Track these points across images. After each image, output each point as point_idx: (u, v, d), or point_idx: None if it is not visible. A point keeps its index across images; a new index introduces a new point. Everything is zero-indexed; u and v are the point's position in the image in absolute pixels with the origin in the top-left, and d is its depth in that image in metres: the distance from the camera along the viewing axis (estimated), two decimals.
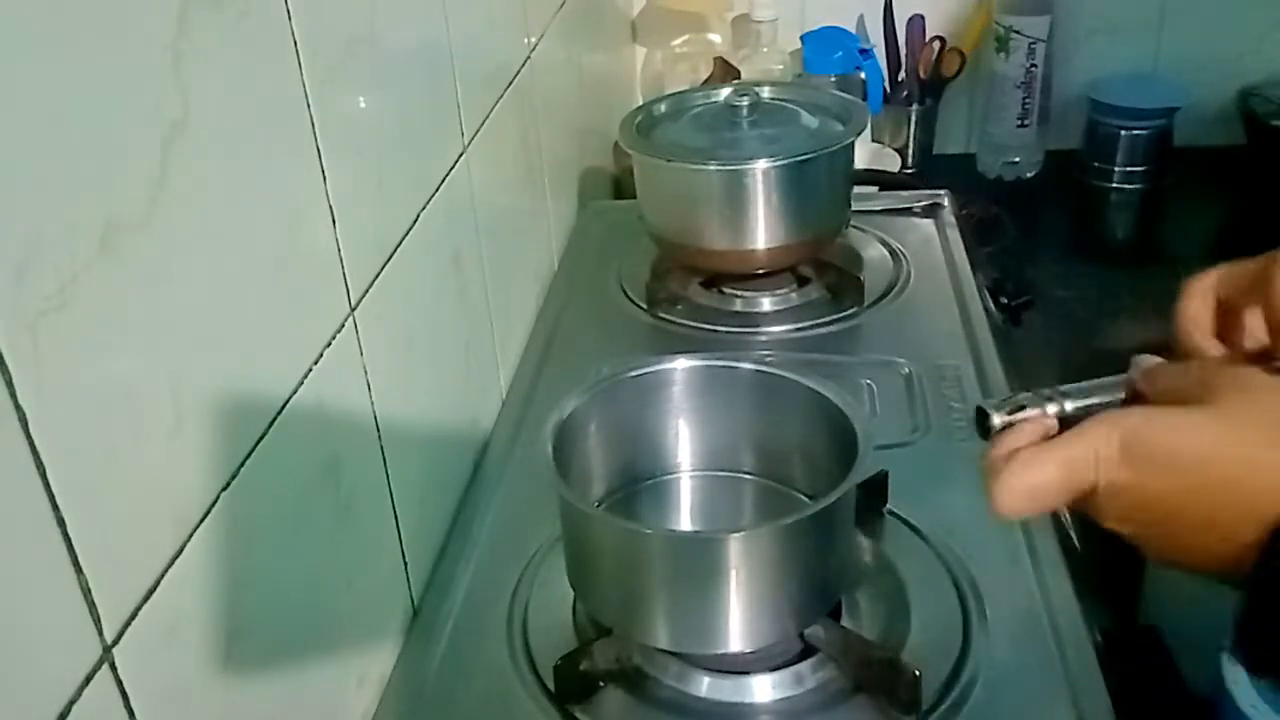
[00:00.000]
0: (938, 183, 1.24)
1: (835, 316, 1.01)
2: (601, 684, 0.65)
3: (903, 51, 1.47)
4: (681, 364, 0.70)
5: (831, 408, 0.67)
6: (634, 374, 0.70)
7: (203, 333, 0.49)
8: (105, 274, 0.42)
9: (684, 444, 0.74)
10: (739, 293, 1.05)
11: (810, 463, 0.71)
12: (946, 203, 1.19)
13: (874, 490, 0.76)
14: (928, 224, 1.16)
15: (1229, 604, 0.58)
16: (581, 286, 1.11)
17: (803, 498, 0.72)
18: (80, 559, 0.40)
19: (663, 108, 1.10)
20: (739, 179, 0.97)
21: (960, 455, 0.83)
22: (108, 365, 0.42)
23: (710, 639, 0.62)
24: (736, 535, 0.62)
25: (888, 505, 0.76)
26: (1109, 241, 1.49)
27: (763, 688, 0.64)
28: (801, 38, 1.41)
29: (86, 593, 0.41)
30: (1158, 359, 0.53)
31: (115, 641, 0.42)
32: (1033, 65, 1.46)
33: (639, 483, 0.74)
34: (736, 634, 0.62)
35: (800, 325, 1.00)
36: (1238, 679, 0.56)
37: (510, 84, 0.98)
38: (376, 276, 0.68)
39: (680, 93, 1.15)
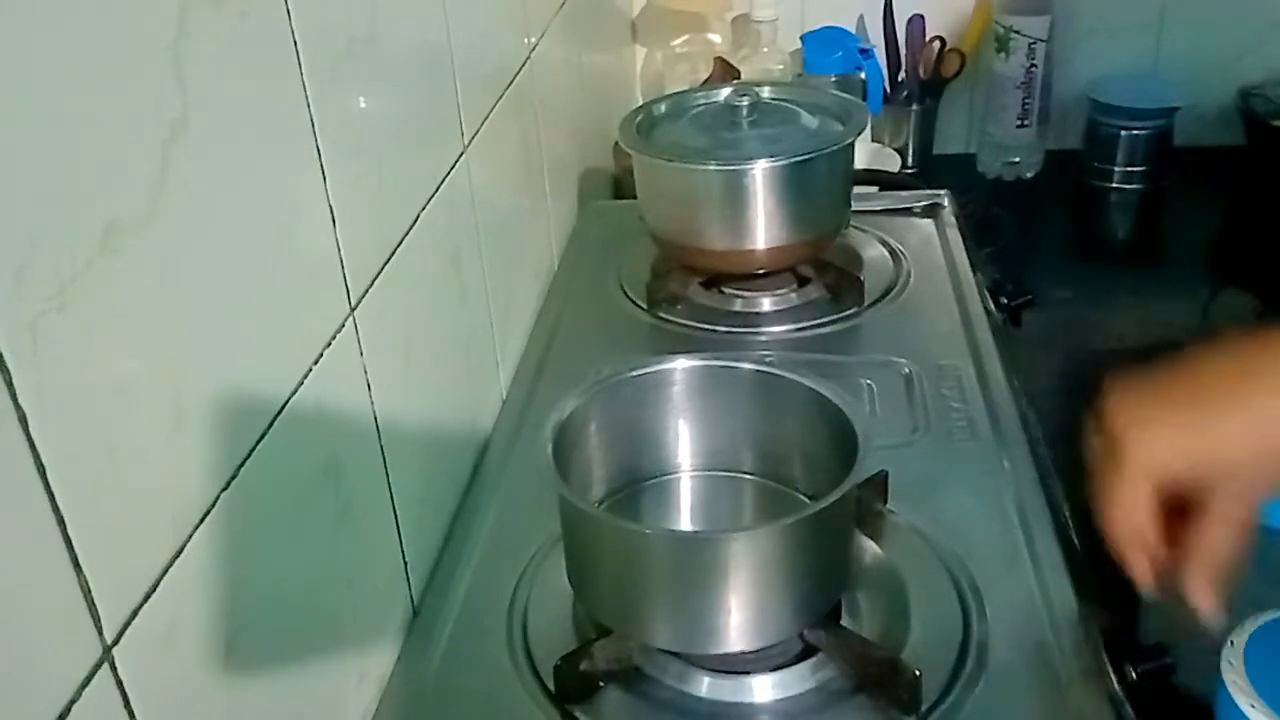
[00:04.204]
0: (938, 183, 1.24)
1: (835, 316, 1.01)
2: (601, 684, 0.64)
3: (903, 51, 1.47)
4: (681, 364, 0.70)
5: (831, 408, 0.67)
6: (634, 374, 0.70)
7: (203, 333, 0.49)
8: (105, 274, 0.42)
9: (684, 444, 0.74)
10: (739, 293, 1.05)
11: (810, 463, 0.71)
12: (946, 203, 1.19)
13: (874, 490, 0.76)
14: (928, 224, 1.16)
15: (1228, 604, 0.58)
16: (581, 286, 1.11)
17: (803, 498, 0.72)
18: (80, 559, 0.40)
19: (663, 108, 1.10)
20: (739, 179, 0.97)
21: (960, 455, 0.83)
22: (108, 365, 0.42)
23: (710, 639, 0.62)
24: (736, 535, 0.62)
25: (888, 505, 0.76)
26: (1109, 241, 1.49)
27: (763, 688, 0.64)
28: (801, 38, 1.41)
29: (86, 593, 0.41)
30: None
31: (115, 642, 0.42)
32: (1033, 65, 1.46)
33: (639, 483, 0.74)
34: (736, 634, 0.62)
35: (800, 325, 1.00)
36: (1237, 679, 0.56)
37: (510, 84, 0.98)
38: (376, 276, 0.68)
39: (680, 93, 1.15)
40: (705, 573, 0.61)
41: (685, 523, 0.75)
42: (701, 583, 0.61)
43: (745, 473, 0.75)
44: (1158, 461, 0.54)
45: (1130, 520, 0.56)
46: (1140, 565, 0.57)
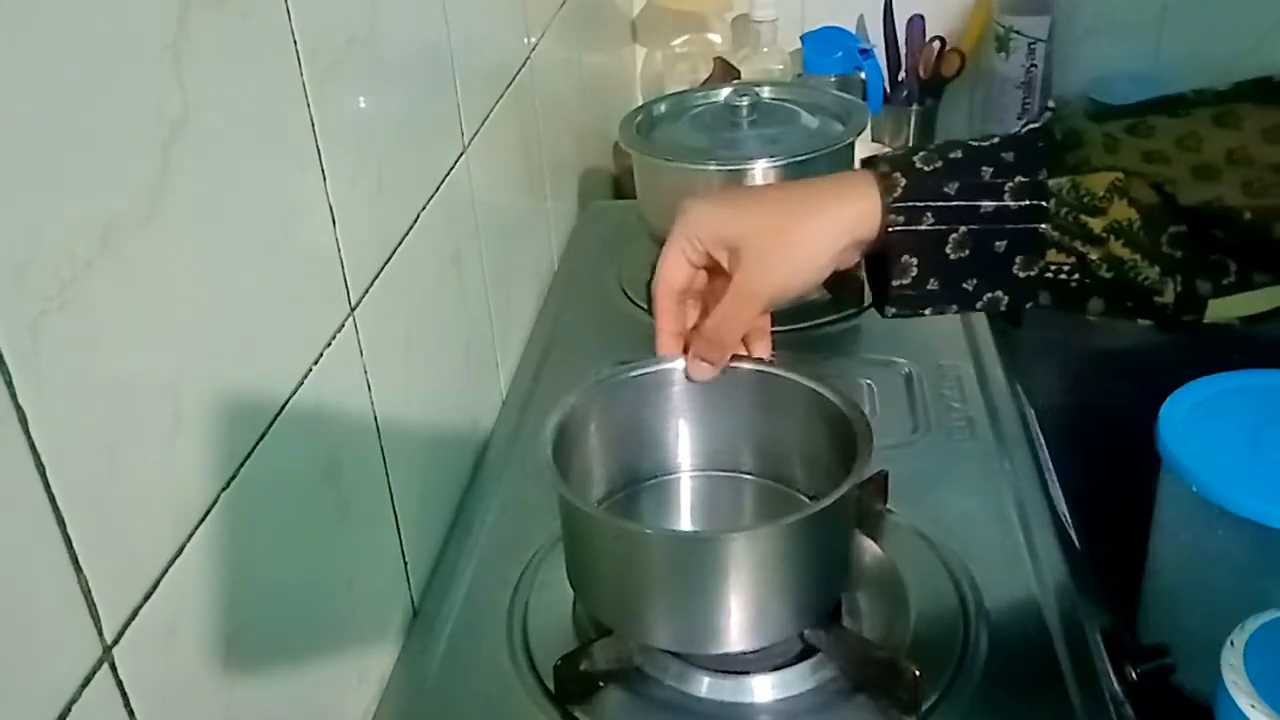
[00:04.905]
0: None
1: (835, 317, 1.01)
2: (601, 684, 0.65)
3: (903, 51, 1.47)
4: (681, 364, 0.70)
5: (832, 408, 0.67)
6: (634, 374, 0.70)
7: (203, 332, 0.49)
8: (105, 274, 0.42)
9: (684, 444, 0.74)
10: None
11: (811, 463, 0.71)
12: None
13: (874, 490, 0.76)
14: None
15: (1228, 604, 0.58)
16: (581, 286, 1.11)
17: (803, 498, 0.72)
18: (80, 559, 0.40)
19: (663, 108, 1.10)
20: (739, 179, 0.97)
21: (960, 455, 0.83)
22: (108, 365, 0.42)
23: (710, 639, 0.62)
24: (736, 535, 0.62)
25: (888, 505, 0.76)
26: None
27: (763, 688, 0.64)
28: (801, 38, 1.41)
29: (86, 593, 0.41)
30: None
31: (115, 641, 0.42)
32: (1032, 65, 1.46)
33: (639, 482, 0.74)
34: (736, 634, 0.62)
35: (800, 325, 1.00)
36: (1237, 679, 0.56)
37: (510, 84, 0.98)
38: (376, 276, 0.68)
39: (680, 93, 1.15)
40: (705, 573, 0.61)
41: (685, 523, 0.75)
42: (701, 583, 0.61)
43: (745, 473, 0.75)
44: (697, 224, 0.64)
45: (665, 275, 0.65)
46: (664, 316, 0.67)
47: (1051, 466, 0.84)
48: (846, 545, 0.67)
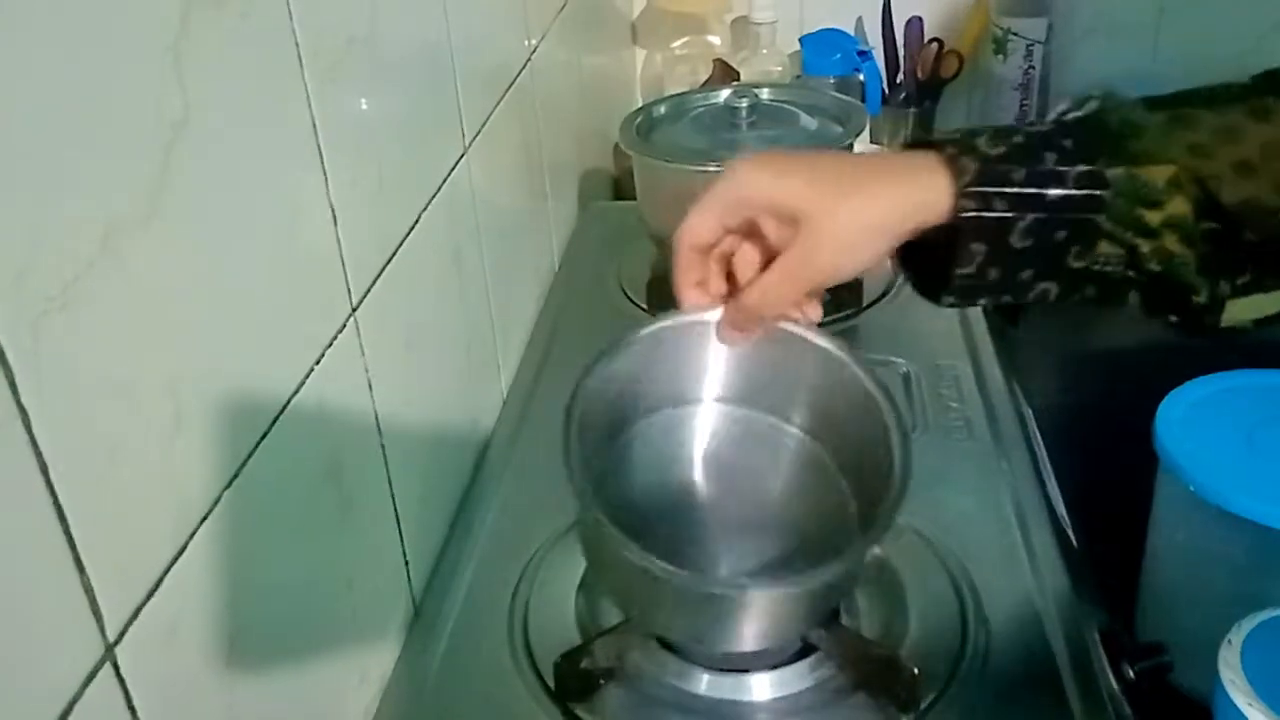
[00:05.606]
0: None
1: (834, 317, 1.01)
2: (602, 681, 0.65)
3: (901, 53, 1.47)
4: (710, 315, 0.66)
5: (875, 405, 0.64)
6: (671, 322, 0.67)
7: (205, 333, 0.49)
8: (107, 274, 0.42)
9: (712, 379, 0.69)
10: None
11: (835, 427, 0.67)
12: None
13: None
14: None
15: (1225, 602, 0.58)
16: (581, 287, 1.11)
17: (828, 460, 0.68)
18: (83, 558, 0.41)
19: (663, 109, 1.10)
20: None
21: (958, 455, 0.83)
22: (110, 365, 0.43)
23: (720, 644, 0.62)
24: (752, 593, 0.59)
25: None
26: None
27: (762, 686, 0.64)
28: (800, 39, 1.42)
29: (89, 592, 0.41)
30: None
31: (117, 640, 0.43)
32: (1030, 67, 1.46)
33: (660, 410, 0.70)
34: (744, 642, 0.61)
35: None
36: (1234, 677, 0.56)
37: (511, 85, 0.99)
38: (378, 277, 0.68)
39: (680, 94, 1.15)
40: (716, 609, 0.60)
41: (698, 465, 0.69)
42: (713, 615, 0.60)
43: (770, 415, 0.69)
44: (748, 186, 0.60)
45: (691, 232, 0.63)
46: (687, 270, 0.64)
47: (1049, 466, 0.84)
48: (857, 569, 0.66)
